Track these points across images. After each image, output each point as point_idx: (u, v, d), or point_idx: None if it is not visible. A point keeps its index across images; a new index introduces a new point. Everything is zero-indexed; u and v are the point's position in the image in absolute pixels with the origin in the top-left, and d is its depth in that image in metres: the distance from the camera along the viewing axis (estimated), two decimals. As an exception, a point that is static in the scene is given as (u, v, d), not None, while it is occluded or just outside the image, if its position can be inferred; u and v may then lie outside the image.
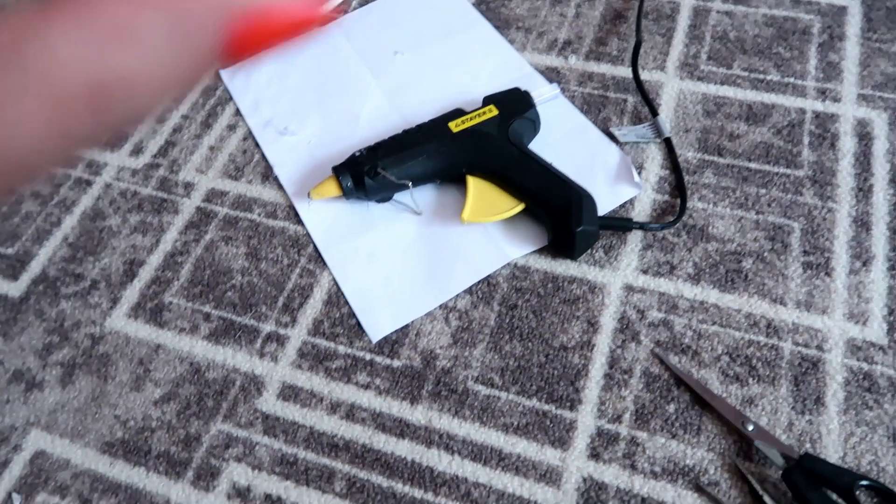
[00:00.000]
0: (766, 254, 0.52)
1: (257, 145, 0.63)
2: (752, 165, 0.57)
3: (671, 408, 0.46)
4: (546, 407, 0.47)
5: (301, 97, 0.66)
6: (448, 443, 0.46)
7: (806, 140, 0.58)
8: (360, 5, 0.73)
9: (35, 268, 0.59)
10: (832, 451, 0.43)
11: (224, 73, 0.69)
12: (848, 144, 0.57)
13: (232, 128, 0.65)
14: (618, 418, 0.46)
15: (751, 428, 0.44)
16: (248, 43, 0.13)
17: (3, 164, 0.12)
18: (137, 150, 0.65)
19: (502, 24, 0.69)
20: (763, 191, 0.55)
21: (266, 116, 0.65)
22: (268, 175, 0.61)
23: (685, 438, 0.45)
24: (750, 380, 0.47)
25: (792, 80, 0.61)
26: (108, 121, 0.13)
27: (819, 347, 0.47)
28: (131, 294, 0.56)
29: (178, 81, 0.13)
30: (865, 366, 0.46)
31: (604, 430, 0.46)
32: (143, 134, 0.66)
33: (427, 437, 0.47)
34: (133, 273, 0.57)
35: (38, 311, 0.56)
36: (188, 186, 0.62)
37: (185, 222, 0.60)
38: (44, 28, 0.12)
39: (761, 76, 0.62)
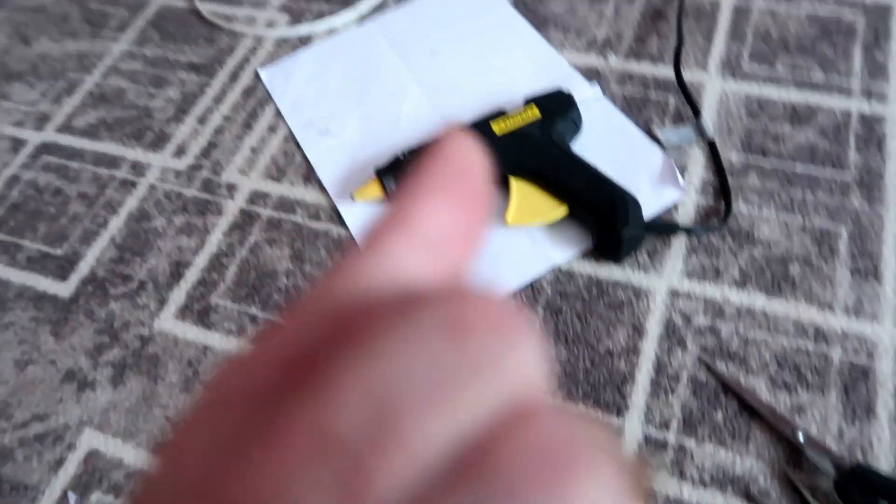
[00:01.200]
0: (813, 259, 0.52)
1: (298, 146, 0.64)
2: (798, 168, 0.56)
3: (719, 415, 0.46)
4: (592, 413, 0.47)
5: (340, 97, 0.66)
6: (495, 447, 0.47)
7: (852, 142, 0.57)
8: (398, 4, 0.73)
9: (83, 268, 0.60)
10: (884, 461, 0.43)
11: (263, 73, 0.69)
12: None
13: (273, 129, 0.66)
14: (665, 425, 0.46)
15: (801, 436, 0.44)
16: None
17: None
18: (180, 152, 0.66)
19: (540, 23, 0.69)
20: (809, 194, 0.55)
21: (307, 117, 0.65)
22: (309, 177, 0.62)
23: (734, 446, 0.45)
24: (799, 387, 0.46)
25: (837, 80, 0.61)
26: None
27: (869, 355, 0.47)
28: (178, 295, 0.57)
29: None
30: (916, 374, 0.46)
31: (651, 436, 0.46)
32: (186, 135, 0.67)
33: (474, 441, 0.47)
34: (179, 274, 0.58)
35: (87, 311, 0.57)
36: (231, 188, 0.62)
37: (229, 224, 0.60)
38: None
39: (805, 76, 0.61)
